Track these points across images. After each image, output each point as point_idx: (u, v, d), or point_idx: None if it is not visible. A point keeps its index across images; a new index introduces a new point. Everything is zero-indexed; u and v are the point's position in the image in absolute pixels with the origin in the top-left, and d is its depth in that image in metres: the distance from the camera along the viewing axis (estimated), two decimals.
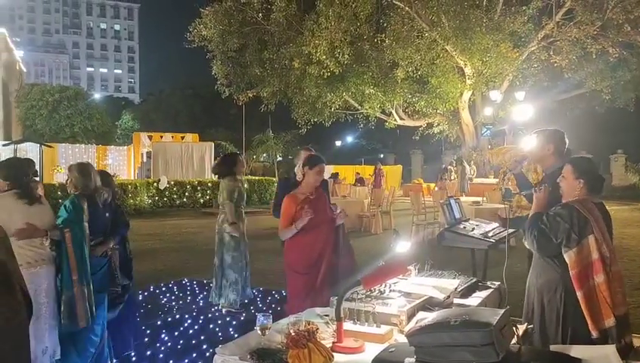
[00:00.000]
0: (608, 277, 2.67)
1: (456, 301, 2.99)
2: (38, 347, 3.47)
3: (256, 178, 23.49)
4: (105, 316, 4.01)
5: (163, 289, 6.93)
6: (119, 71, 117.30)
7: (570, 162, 3.01)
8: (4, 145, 21.16)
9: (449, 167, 22.94)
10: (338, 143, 45.19)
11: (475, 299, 3.08)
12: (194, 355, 4.55)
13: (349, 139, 46.92)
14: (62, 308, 3.56)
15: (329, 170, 24.49)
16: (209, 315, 5.70)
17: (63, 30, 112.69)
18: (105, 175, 4.39)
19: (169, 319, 5.56)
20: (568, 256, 2.73)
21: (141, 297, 6.54)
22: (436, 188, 19.02)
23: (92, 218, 3.78)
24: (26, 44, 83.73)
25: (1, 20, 68.80)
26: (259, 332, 2.36)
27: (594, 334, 2.65)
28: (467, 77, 20.99)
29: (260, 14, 22.28)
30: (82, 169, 3.96)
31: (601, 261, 2.68)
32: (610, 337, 2.65)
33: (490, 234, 4.69)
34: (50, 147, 22.27)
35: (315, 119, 24.21)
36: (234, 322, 5.40)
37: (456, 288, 3.10)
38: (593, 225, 2.72)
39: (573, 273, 2.70)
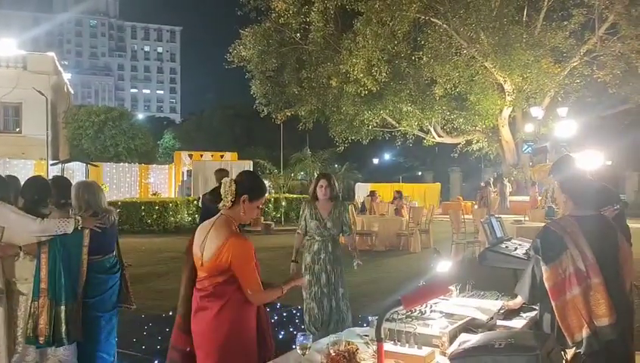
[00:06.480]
0: (585, 290, 2.73)
1: (499, 322, 2.92)
2: None
3: (294, 196, 23.59)
4: (114, 333, 3.94)
5: None
6: (161, 92, 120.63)
7: (558, 179, 3.13)
8: (52, 164, 21.91)
9: (487, 185, 22.45)
10: (375, 160, 45.02)
11: (519, 321, 3.00)
12: None
13: (387, 157, 46.67)
14: (28, 320, 3.44)
15: (367, 188, 24.42)
16: None
17: (108, 53, 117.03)
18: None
19: None
20: (544, 271, 2.82)
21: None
22: (476, 206, 18.66)
23: (96, 239, 3.71)
24: (73, 67, 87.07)
25: (51, 43, 72.07)
26: (299, 351, 2.36)
27: (569, 343, 2.73)
28: (506, 93, 20.68)
29: (298, 34, 22.61)
30: (79, 190, 3.89)
31: (575, 275, 2.75)
32: (580, 346, 2.71)
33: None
34: (95, 166, 22.93)
35: (353, 137, 24.24)
36: None
37: (499, 309, 3.02)
38: (567, 241, 2.79)
39: (547, 286, 2.80)
